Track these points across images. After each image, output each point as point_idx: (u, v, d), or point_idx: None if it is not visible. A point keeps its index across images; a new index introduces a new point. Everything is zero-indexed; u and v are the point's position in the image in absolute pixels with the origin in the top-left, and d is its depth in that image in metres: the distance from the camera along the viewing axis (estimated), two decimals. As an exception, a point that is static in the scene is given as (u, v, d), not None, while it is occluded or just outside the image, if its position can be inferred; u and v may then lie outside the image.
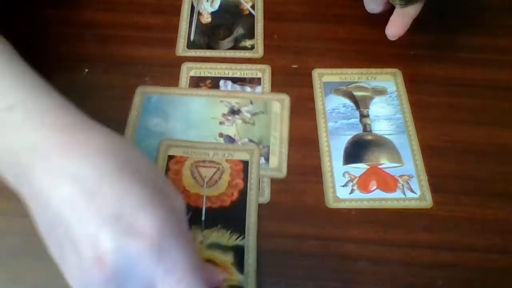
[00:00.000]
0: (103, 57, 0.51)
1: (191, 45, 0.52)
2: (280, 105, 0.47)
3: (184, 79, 0.50)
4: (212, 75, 0.50)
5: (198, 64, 0.51)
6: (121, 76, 0.50)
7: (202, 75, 0.50)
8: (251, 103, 0.47)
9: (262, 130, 0.46)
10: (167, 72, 0.50)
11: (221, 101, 0.47)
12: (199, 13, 0.55)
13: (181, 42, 0.53)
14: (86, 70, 0.50)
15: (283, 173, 0.43)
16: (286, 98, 0.48)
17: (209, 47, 0.52)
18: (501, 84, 0.50)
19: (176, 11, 0.56)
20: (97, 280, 0.27)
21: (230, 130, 0.46)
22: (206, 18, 0.55)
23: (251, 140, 0.45)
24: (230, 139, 0.45)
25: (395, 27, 0.47)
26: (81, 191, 0.28)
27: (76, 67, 0.50)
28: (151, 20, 0.55)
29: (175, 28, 0.54)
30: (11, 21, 0.54)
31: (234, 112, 0.47)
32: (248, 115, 0.47)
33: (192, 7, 0.56)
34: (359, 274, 0.38)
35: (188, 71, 0.50)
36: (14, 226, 0.40)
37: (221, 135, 0.45)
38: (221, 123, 0.46)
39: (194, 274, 0.29)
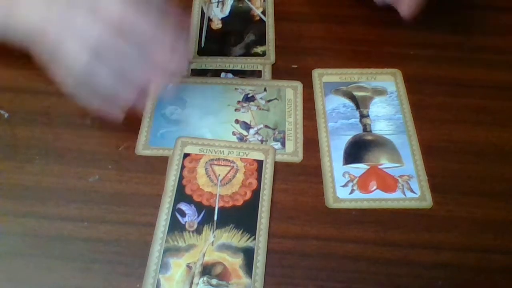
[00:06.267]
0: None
1: (201, 51, 0.52)
2: (293, 92, 0.48)
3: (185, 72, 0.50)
4: (213, 67, 0.50)
5: (199, 57, 0.51)
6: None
7: (203, 67, 0.50)
8: (265, 90, 0.48)
9: (277, 116, 0.46)
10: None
11: (235, 89, 0.48)
12: (210, 19, 0.55)
13: (191, 48, 0.51)
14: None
15: (299, 157, 0.44)
16: (299, 86, 0.49)
17: (221, 53, 0.51)
18: (501, 84, 0.50)
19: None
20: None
21: (246, 116, 0.46)
22: (217, 24, 0.54)
23: (266, 126, 0.46)
24: (246, 125, 0.46)
25: (407, 4, 0.47)
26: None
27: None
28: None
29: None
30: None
31: (248, 99, 0.47)
32: (263, 102, 0.47)
33: (202, 13, 0.55)
34: (359, 274, 0.38)
35: (189, 64, 0.50)
36: (14, 226, 0.40)
37: (237, 121, 0.46)
38: (236, 109, 0.47)
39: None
